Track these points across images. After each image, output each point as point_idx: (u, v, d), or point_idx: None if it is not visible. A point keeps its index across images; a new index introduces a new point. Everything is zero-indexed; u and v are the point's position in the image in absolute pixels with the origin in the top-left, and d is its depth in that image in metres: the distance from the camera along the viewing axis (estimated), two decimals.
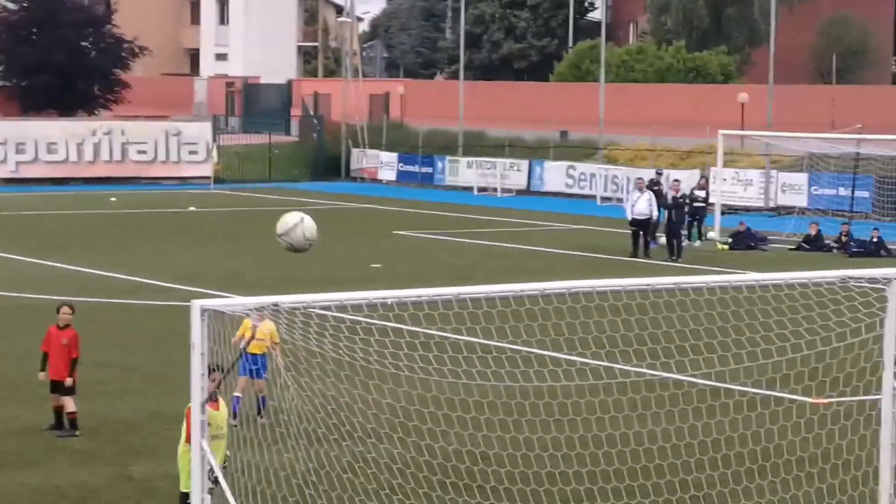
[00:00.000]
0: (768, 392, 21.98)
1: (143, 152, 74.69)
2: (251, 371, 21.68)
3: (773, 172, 60.90)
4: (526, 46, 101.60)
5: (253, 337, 20.76)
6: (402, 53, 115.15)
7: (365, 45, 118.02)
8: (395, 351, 18.53)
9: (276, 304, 14.81)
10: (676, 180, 48.56)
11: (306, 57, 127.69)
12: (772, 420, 19.36)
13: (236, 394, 21.79)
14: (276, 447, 17.72)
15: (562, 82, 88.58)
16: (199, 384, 14.80)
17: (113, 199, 65.26)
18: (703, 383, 22.54)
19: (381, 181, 76.89)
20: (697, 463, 18.43)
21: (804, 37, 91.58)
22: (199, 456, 14.78)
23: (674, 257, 44.92)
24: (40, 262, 42.32)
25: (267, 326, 20.89)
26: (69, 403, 21.98)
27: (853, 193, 54.20)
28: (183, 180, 74.76)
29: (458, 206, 63.50)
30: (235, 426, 18.74)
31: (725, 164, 57.06)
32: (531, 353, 24.24)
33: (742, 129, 62.79)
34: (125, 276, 39.87)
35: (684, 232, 48.88)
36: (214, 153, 75.91)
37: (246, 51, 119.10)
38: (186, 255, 45.14)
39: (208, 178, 74.38)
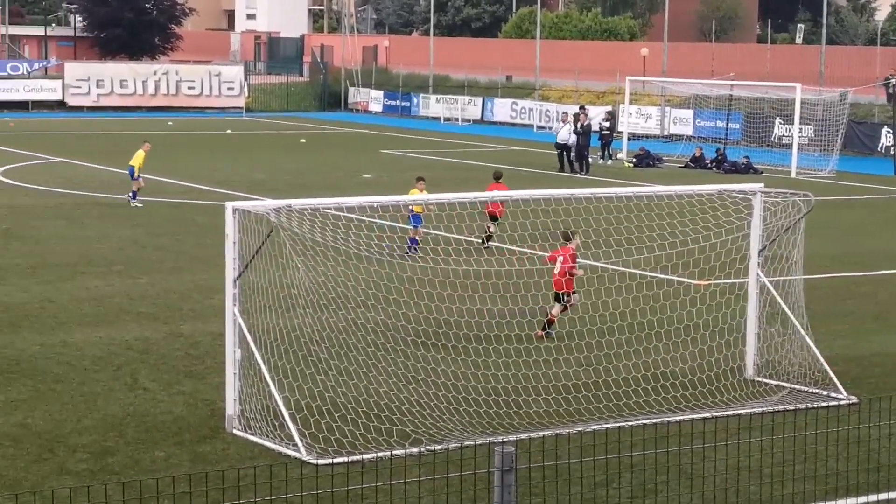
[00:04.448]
0: (662, 276, 21.80)
1: (193, 88, 74.36)
2: (415, 224, 25.11)
3: (667, 108, 60.64)
4: (480, 11, 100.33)
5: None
6: (386, 15, 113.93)
7: (359, 8, 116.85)
8: (380, 243, 18.26)
9: (289, 206, 14.52)
10: (584, 114, 47.40)
11: (315, 17, 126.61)
12: (665, 297, 19.18)
13: (412, 236, 24.92)
14: (287, 314, 17.46)
15: (507, 39, 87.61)
16: (231, 265, 14.51)
17: (170, 123, 65.00)
18: (612, 268, 22.36)
19: (371, 112, 76.32)
20: (609, 329, 18.26)
21: (690, 5, 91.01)
22: (232, 319, 14.48)
23: (582, 172, 44.43)
24: (114, 170, 41.79)
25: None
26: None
27: (728, 125, 53.95)
28: (222, 109, 74.39)
29: (429, 132, 63.06)
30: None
31: (631, 102, 56.91)
32: (481, 245, 24.00)
33: (644, 75, 62.34)
34: (178, 182, 39.46)
35: (599, 153, 48.65)
36: (246, 89, 75.52)
37: (270, 12, 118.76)
38: (224, 166, 44.69)
39: (241, 108, 74.01)
